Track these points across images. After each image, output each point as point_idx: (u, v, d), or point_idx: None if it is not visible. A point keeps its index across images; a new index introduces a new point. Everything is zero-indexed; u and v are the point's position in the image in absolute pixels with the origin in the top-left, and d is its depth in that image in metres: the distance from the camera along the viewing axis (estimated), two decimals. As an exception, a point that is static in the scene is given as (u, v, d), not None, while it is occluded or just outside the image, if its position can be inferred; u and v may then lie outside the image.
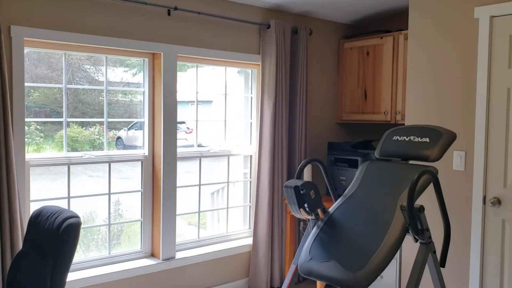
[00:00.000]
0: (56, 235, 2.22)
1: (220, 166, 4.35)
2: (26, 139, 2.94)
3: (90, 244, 3.89)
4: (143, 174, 3.61)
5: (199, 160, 3.99)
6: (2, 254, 2.71)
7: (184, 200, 4.21)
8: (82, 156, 3.29)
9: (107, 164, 3.42)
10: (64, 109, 3.23)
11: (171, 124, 3.59)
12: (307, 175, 4.09)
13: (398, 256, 3.66)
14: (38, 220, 2.39)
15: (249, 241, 4.16)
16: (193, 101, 3.97)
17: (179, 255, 3.71)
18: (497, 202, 3.06)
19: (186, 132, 8.90)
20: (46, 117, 3.54)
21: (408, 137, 2.70)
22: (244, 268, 4.13)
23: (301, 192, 2.60)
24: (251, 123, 4.30)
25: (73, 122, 3.77)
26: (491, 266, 3.11)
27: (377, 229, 2.40)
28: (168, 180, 3.59)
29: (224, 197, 4.32)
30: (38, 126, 3.32)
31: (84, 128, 3.85)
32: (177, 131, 3.67)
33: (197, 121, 3.96)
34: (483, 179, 3.12)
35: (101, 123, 3.71)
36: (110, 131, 3.77)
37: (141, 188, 3.62)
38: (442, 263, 2.45)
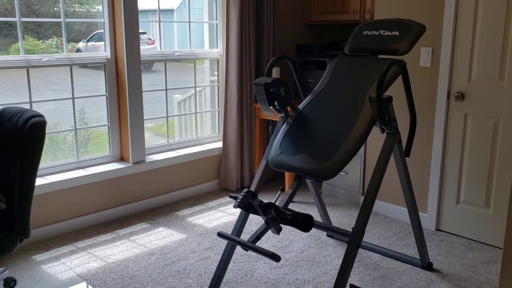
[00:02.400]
0: (21, 135, 2.16)
1: (187, 77, 4.25)
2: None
3: (57, 153, 3.84)
4: (107, 78, 3.50)
5: (164, 64, 3.87)
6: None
7: (152, 110, 4.15)
8: (41, 59, 3.13)
9: (68, 73, 3.27)
10: (16, 7, 3.00)
11: (133, 25, 3.42)
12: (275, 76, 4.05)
13: (362, 154, 3.79)
14: (1, 121, 2.31)
15: (219, 144, 4.20)
16: (155, 10, 3.76)
17: (149, 158, 3.73)
18: (461, 96, 3.14)
19: (148, 43, 8.56)
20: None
21: (378, 31, 2.67)
22: (214, 170, 4.21)
23: (271, 89, 2.58)
24: (216, 24, 4.15)
25: (28, 34, 3.53)
26: (452, 156, 3.26)
27: (345, 122, 2.44)
28: (133, 83, 3.50)
29: (192, 106, 4.27)
30: None
31: (41, 41, 3.63)
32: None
33: (159, 21, 3.79)
34: (448, 74, 3.17)
35: (58, 36, 3.52)
36: (68, 43, 3.58)
37: (106, 93, 3.52)
38: (407, 152, 2.55)
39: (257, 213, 2.29)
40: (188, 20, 3.97)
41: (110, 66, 3.49)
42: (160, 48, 3.89)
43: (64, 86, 3.37)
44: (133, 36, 3.43)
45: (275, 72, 4.04)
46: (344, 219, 3.67)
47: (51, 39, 3.68)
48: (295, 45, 4.39)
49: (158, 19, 3.81)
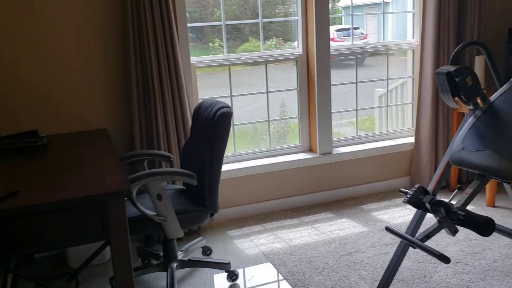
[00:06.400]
0: (211, 124, 2.50)
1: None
2: (205, 56, 3.22)
3: (260, 143, 4.23)
4: (298, 73, 3.71)
5: (355, 58, 3.90)
6: (179, 142, 3.17)
7: (346, 103, 4.22)
8: (240, 57, 3.51)
9: (263, 72, 3.59)
10: (222, 12, 3.43)
11: (323, 22, 3.54)
12: (479, 69, 3.67)
13: None
14: (199, 112, 2.71)
15: (411, 139, 4.03)
16: (369, 4, 3.83)
17: (336, 150, 3.82)
18: None
19: (360, 38, 8.63)
20: (227, 34, 3.75)
21: None
22: (405, 166, 4.05)
23: (456, 79, 2.38)
24: (413, 14, 3.97)
25: (251, 36, 3.95)
26: None
27: (544, 115, 2.10)
28: (321, 77, 3.62)
29: (393, 99, 4.21)
30: (221, 43, 3.62)
31: (264, 42, 4.04)
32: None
33: (351, 15, 3.82)
34: None
35: (277, 36, 3.92)
36: (286, 42, 3.95)
37: (297, 87, 3.74)
38: None
39: (427, 211, 2.17)
40: (382, 12, 3.90)
41: (301, 61, 3.69)
42: (358, 42, 3.93)
43: (260, 81, 3.70)
44: (323, 32, 3.55)
45: (479, 62, 3.66)
46: (557, 230, 3.12)
47: (271, 40, 4.06)
48: (507, 29, 3.89)
49: (350, 13, 3.86)
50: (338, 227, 3.40)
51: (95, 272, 2.94)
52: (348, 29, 6.71)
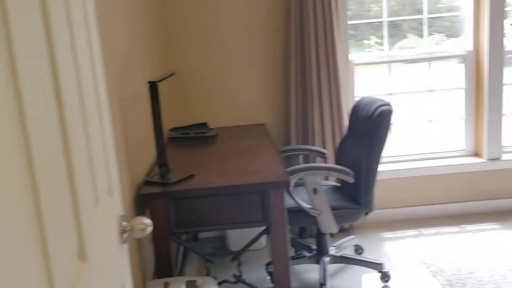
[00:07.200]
0: (370, 121, 2.48)
1: None
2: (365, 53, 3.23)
3: (410, 143, 4.04)
4: (466, 71, 3.45)
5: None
6: (334, 138, 3.21)
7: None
8: (402, 55, 3.41)
9: (426, 70, 3.43)
10: (383, 9, 3.36)
11: (498, 15, 3.24)
12: None
13: None
14: (357, 109, 2.70)
15: None
16: None
17: (506, 156, 3.46)
18: None
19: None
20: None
21: None
22: None
23: None
24: None
25: (410, 32, 3.81)
26: None
27: None
28: (493, 76, 3.32)
29: None
30: (377, 40, 3.59)
31: (423, 38, 3.89)
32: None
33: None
34: None
35: (439, 32, 3.73)
36: (449, 38, 3.74)
37: (465, 86, 3.48)
38: None
39: None
40: None
41: (470, 59, 3.43)
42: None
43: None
44: (497, 26, 3.25)
45: None
46: None
47: (431, 36, 3.90)
48: None
49: (531, 4, 3.46)
50: (506, 240, 3.09)
51: (251, 256, 3.13)
52: (526, 23, 5.99)
